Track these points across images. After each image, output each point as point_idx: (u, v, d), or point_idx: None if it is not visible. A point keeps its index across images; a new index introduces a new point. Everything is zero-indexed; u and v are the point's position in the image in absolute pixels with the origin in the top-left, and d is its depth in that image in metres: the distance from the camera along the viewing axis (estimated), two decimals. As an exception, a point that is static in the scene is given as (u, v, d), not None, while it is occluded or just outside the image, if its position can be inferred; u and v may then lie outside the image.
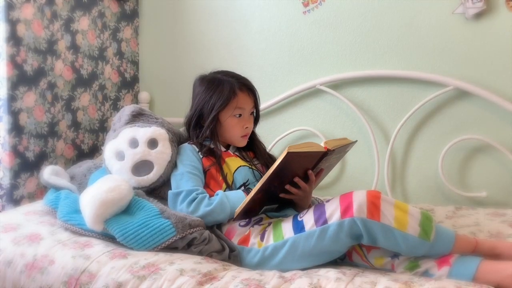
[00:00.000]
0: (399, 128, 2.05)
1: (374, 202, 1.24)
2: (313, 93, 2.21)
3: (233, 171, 1.57)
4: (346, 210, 1.25)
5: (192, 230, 1.38)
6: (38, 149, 1.96)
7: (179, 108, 2.33)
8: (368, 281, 1.17)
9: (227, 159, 1.60)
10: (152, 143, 1.62)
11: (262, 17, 2.27)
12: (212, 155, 1.59)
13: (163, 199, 1.58)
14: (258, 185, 1.36)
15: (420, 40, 2.04)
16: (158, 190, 1.65)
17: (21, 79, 1.87)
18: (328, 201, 1.34)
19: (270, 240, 1.36)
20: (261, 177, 1.44)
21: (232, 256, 1.39)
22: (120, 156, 1.62)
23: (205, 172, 1.57)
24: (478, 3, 1.91)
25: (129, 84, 2.47)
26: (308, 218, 1.32)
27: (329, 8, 2.16)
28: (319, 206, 1.33)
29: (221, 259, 1.37)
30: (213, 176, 1.57)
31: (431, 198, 2.06)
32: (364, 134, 2.11)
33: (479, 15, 1.94)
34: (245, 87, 1.62)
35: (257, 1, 2.27)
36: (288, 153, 1.29)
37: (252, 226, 1.43)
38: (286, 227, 1.35)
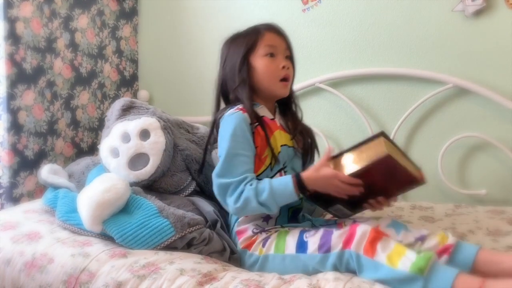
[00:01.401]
0: (399, 126, 2.05)
1: (373, 240, 1.19)
2: (312, 91, 2.21)
3: (278, 150, 1.42)
4: (347, 242, 1.22)
5: (191, 229, 1.37)
6: (37, 148, 1.96)
7: (178, 106, 2.33)
8: (366, 281, 1.17)
9: (275, 132, 1.44)
10: (144, 134, 1.58)
11: (261, 15, 2.26)
12: (261, 125, 1.41)
13: (164, 191, 1.56)
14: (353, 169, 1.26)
15: (419, 38, 2.03)
16: (158, 181, 1.60)
17: (20, 77, 1.87)
18: (340, 227, 1.32)
19: (271, 249, 1.33)
20: (300, 159, 1.47)
21: (232, 258, 1.38)
22: (115, 153, 1.59)
23: None
24: (477, 1, 1.90)
25: (128, 82, 2.47)
26: (313, 241, 1.27)
27: (328, 6, 2.15)
28: (327, 233, 1.27)
29: (221, 260, 1.35)
30: (256, 153, 1.39)
31: (431, 195, 2.06)
32: (364, 132, 2.11)
33: (478, 13, 1.93)
34: (272, 27, 1.50)
35: (256, -1, 2.27)
36: (387, 155, 1.22)
37: (261, 233, 1.38)
38: (290, 242, 1.31)
